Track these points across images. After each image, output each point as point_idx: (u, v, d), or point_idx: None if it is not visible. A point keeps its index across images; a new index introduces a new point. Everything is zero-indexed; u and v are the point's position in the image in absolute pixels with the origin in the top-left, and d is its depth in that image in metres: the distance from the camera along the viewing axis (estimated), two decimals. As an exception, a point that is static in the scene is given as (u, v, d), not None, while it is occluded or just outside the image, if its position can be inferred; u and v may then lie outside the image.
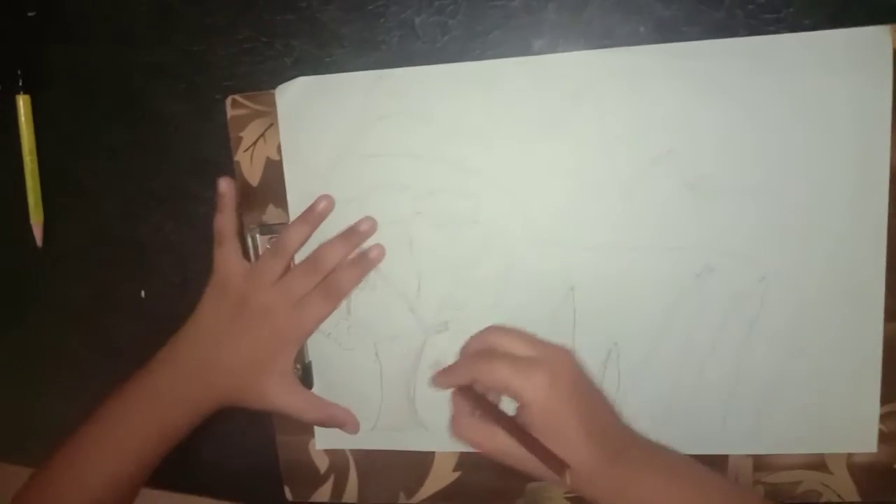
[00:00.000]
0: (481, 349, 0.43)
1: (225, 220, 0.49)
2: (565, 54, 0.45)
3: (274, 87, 0.49)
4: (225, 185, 0.49)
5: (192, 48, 0.51)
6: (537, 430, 0.38)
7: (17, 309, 0.59)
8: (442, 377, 0.44)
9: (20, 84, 0.53)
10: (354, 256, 0.49)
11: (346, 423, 0.50)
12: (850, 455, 0.46)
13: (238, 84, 0.50)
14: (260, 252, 0.50)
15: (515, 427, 0.38)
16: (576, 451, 0.38)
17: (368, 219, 0.49)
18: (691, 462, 0.41)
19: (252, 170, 0.50)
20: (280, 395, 0.48)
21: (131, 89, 0.52)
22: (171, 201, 0.52)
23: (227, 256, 0.49)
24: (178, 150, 0.52)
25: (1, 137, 0.55)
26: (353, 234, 0.49)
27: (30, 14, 0.53)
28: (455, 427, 0.42)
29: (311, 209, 0.49)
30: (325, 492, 0.53)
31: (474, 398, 0.41)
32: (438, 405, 0.45)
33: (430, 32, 0.47)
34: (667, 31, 0.45)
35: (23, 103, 0.53)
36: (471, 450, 0.42)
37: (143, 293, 0.55)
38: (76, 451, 0.47)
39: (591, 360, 0.47)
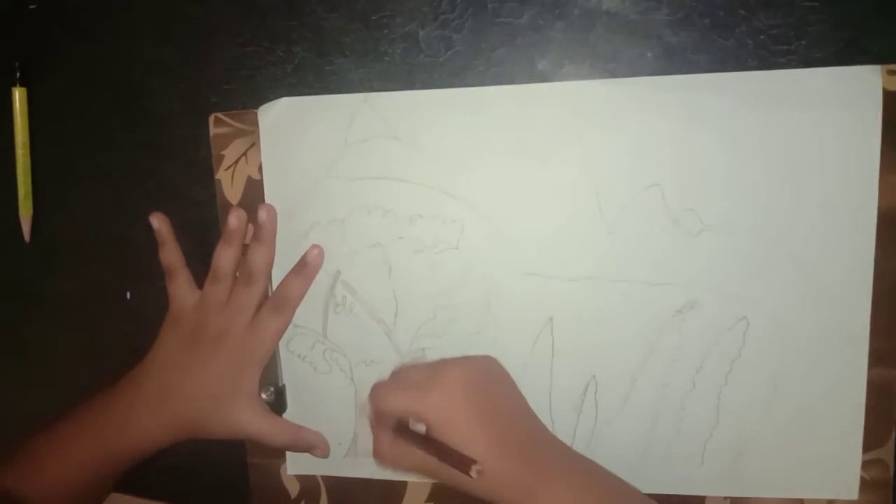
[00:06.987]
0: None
1: (169, 254, 0.49)
2: (553, 84, 0.45)
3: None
4: (157, 221, 0.49)
5: (192, 48, 0.50)
6: (445, 438, 0.40)
7: (2, 303, 0.58)
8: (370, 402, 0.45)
9: (17, 76, 0.53)
10: (296, 264, 0.48)
11: (315, 446, 0.50)
12: (830, 501, 0.45)
13: (237, 87, 0.50)
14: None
15: (426, 441, 0.41)
16: (479, 449, 0.39)
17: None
18: (606, 473, 0.42)
19: (233, 189, 0.50)
20: (246, 420, 0.47)
21: (130, 85, 0.52)
22: (164, 201, 0.51)
23: (178, 288, 0.49)
24: (173, 150, 0.52)
25: (-5, 129, 0.54)
26: (262, 232, 0.48)
27: (31, 6, 0.53)
28: (376, 455, 0.43)
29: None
30: (295, 517, 0.53)
31: (393, 426, 0.43)
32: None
33: (434, 46, 0.47)
34: (674, 58, 0.44)
35: (18, 95, 0.53)
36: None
37: (128, 294, 0.55)
38: (34, 455, 0.47)
39: (569, 392, 0.47)
